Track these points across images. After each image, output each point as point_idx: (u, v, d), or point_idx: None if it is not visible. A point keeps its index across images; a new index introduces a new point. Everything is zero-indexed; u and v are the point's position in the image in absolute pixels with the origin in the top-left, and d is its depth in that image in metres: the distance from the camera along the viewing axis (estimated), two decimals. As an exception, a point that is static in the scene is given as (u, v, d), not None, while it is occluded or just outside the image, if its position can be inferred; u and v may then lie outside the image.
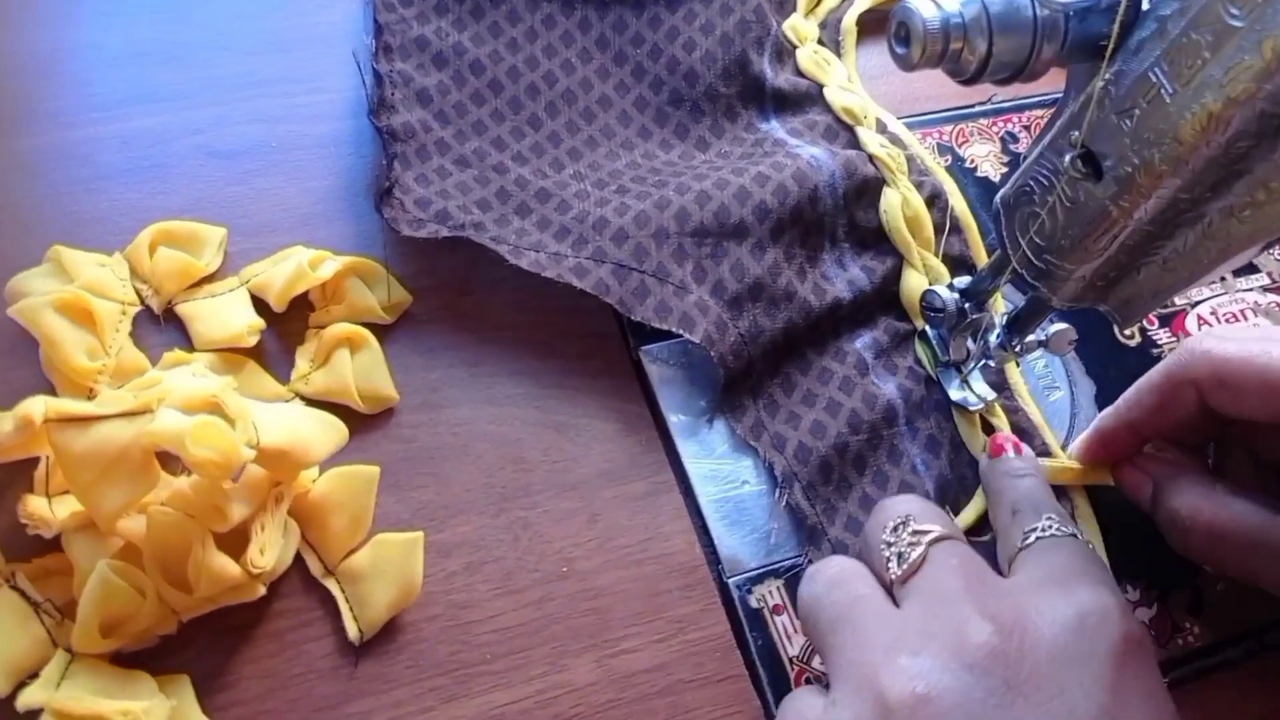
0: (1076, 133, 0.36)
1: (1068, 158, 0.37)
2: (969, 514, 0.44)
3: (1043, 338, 0.44)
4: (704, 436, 0.45)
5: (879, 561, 0.37)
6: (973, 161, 0.55)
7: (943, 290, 0.46)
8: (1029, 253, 0.40)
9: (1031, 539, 0.38)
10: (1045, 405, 0.49)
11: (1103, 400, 0.49)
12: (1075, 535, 0.38)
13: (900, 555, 0.36)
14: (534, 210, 0.48)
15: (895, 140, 0.53)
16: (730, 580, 0.42)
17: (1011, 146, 0.56)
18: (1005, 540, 0.40)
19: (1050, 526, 0.38)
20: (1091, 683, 0.32)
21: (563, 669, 0.39)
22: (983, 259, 0.51)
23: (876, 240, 0.50)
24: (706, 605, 0.42)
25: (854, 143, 0.52)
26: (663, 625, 0.41)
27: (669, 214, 0.47)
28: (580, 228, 0.47)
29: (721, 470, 0.44)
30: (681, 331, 0.44)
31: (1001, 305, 0.49)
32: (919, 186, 0.51)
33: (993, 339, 0.45)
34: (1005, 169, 0.56)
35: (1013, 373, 0.49)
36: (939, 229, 0.50)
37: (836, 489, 0.45)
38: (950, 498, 0.45)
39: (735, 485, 0.44)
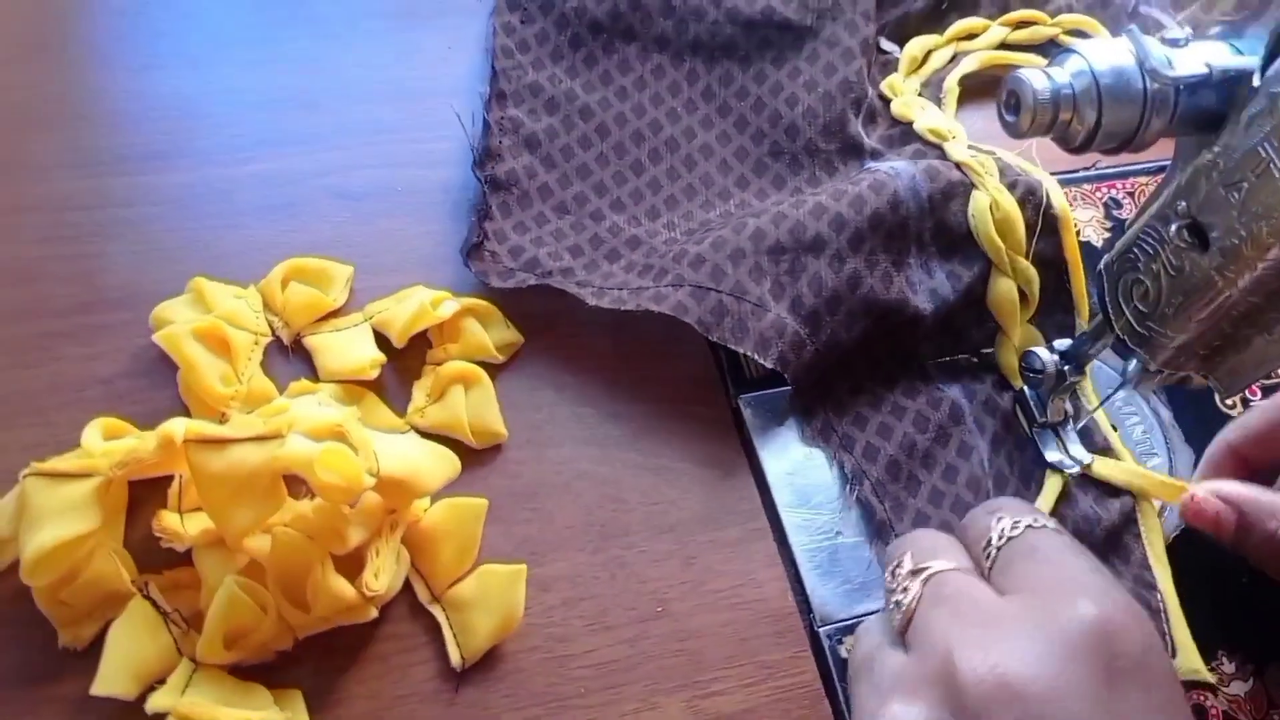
0: (1183, 203, 0.36)
1: (1174, 227, 0.37)
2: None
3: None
4: (799, 486, 0.46)
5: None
6: (1076, 225, 0.56)
7: (1042, 352, 0.47)
8: (1131, 319, 0.40)
9: (992, 552, 0.36)
10: (1143, 471, 0.49)
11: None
12: (1033, 525, 0.37)
13: (898, 605, 0.36)
14: (623, 256, 0.50)
15: (986, 152, 0.52)
16: (821, 629, 0.43)
17: (1115, 212, 0.57)
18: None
19: (1005, 531, 0.36)
20: (1084, 710, 0.30)
21: (654, 707, 0.40)
22: (1077, 261, 0.51)
23: (965, 244, 0.50)
24: (796, 653, 0.42)
25: (942, 158, 0.53)
26: (753, 670, 0.42)
27: (745, 235, 0.47)
28: (662, 261, 0.48)
29: (816, 520, 0.45)
30: (756, 356, 0.45)
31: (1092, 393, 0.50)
32: (1012, 186, 0.50)
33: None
34: (1108, 234, 0.56)
35: (1111, 436, 0.49)
36: (1031, 229, 0.50)
37: (905, 486, 0.46)
38: (1013, 489, 0.46)
39: (829, 536, 0.45)
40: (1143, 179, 0.58)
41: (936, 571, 0.36)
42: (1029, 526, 0.37)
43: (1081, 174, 0.58)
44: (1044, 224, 0.50)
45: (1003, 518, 0.37)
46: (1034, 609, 0.33)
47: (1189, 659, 0.43)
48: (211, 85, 0.54)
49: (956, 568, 0.36)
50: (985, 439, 0.47)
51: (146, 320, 0.44)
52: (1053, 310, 0.51)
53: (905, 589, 0.36)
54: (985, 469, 0.47)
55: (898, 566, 0.37)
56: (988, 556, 0.36)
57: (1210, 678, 0.43)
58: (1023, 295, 0.50)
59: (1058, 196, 0.50)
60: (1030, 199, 0.50)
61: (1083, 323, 0.50)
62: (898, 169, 0.50)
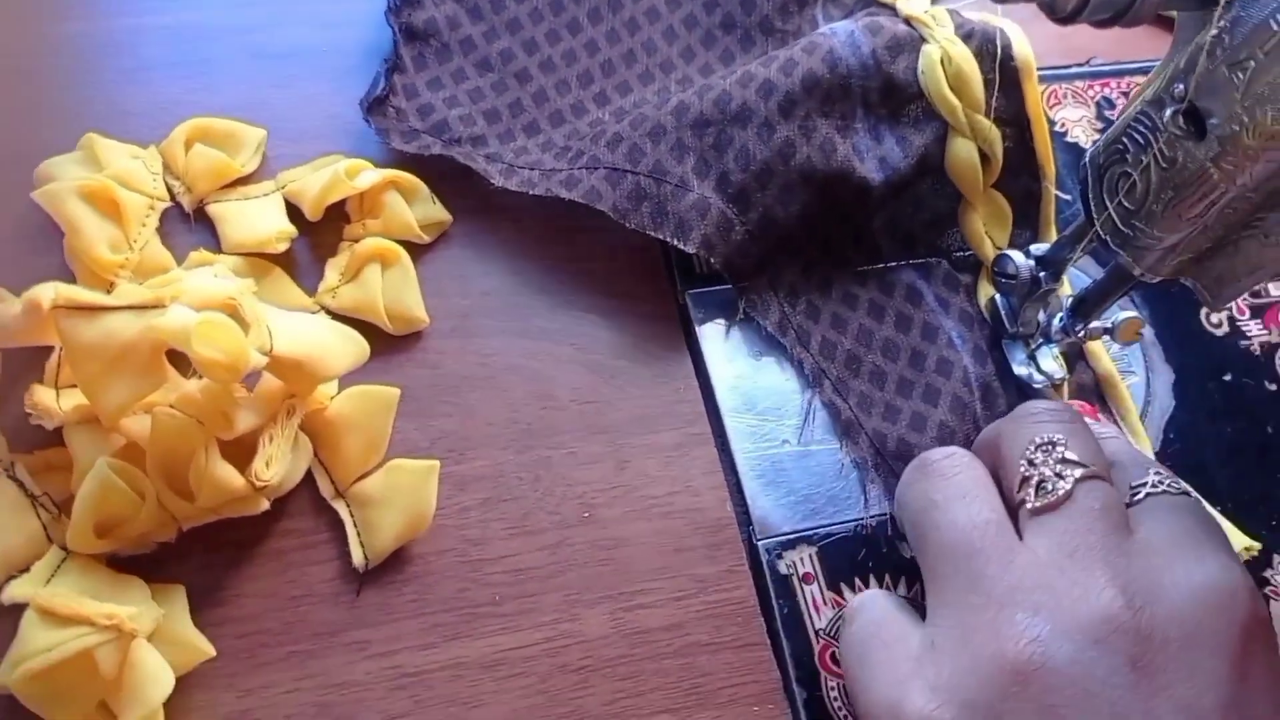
0: (1180, 85, 0.33)
1: (1168, 112, 0.33)
2: None
3: (1109, 325, 0.41)
4: (746, 390, 0.42)
5: (1012, 475, 0.35)
6: (1064, 125, 0.52)
7: (1017, 256, 0.43)
8: (1115, 217, 0.36)
9: (1141, 494, 0.35)
10: (1117, 390, 0.45)
11: (1181, 390, 0.46)
12: (1189, 494, 0.35)
13: (1041, 485, 0.34)
14: (542, 131, 0.46)
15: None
16: (760, 543, 0.39)
17: (1107, 112, 0.53)
18: None
19: (1161, 483, 0.35)
20: (1218, 667, 0.30)
21: (574, 618, 0.37)
22: (1040, 116, 0.46)
23: (916, 104, 0.46)
24: (732, 566, 0.39)
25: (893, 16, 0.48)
26: (684, 583, 0.39)
27: (667, 110, 0.43)
28: (580, 143, 0.44)
29: (762, 427, 0.42)
30: (675, 242, 0.42)
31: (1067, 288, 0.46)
32: (967, 37, 0.45)
33: (1055, 322, 0.42)
34: (1099, 135, 0.52)
35: (1091, 350, 0.45)
36: (990, 84, 0.45)
37: (869, 379, 0.43)
38: (987, 368, 0.43)
39: (775, 444, 0.42)
40: (1139, 78, 0.54)
41: (1094, 477, 0.34)
42: (1185, 492, 0.35)
43: (1074, 70, 0.54)
44: (1004, 77, 0.45)
45: (1161, 472, 0.35)
46: (1178, 554, 0.32)
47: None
48: (124, -73, 0.49)
49: (1111, 482, 0.35)
50: (952, 316, 0.44)
51: (31, 180, 0.40)
52: (1018, 174, 0.47)
53: (1060, 476, 0.34)
54: (959, 346, 0.43)
55: (1050, 446, 0.35)
56: (1134, 495, 0.35)
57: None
58: (985, 158, 0.46)
59: (1019, 44, 0.46)
60: (988, 49, 0.45)
61: (1049, 186, 0.47)
62: (835, 28, 0.45)
